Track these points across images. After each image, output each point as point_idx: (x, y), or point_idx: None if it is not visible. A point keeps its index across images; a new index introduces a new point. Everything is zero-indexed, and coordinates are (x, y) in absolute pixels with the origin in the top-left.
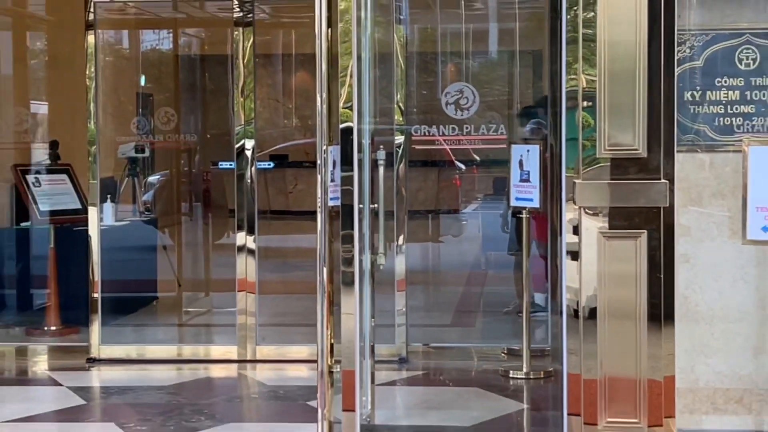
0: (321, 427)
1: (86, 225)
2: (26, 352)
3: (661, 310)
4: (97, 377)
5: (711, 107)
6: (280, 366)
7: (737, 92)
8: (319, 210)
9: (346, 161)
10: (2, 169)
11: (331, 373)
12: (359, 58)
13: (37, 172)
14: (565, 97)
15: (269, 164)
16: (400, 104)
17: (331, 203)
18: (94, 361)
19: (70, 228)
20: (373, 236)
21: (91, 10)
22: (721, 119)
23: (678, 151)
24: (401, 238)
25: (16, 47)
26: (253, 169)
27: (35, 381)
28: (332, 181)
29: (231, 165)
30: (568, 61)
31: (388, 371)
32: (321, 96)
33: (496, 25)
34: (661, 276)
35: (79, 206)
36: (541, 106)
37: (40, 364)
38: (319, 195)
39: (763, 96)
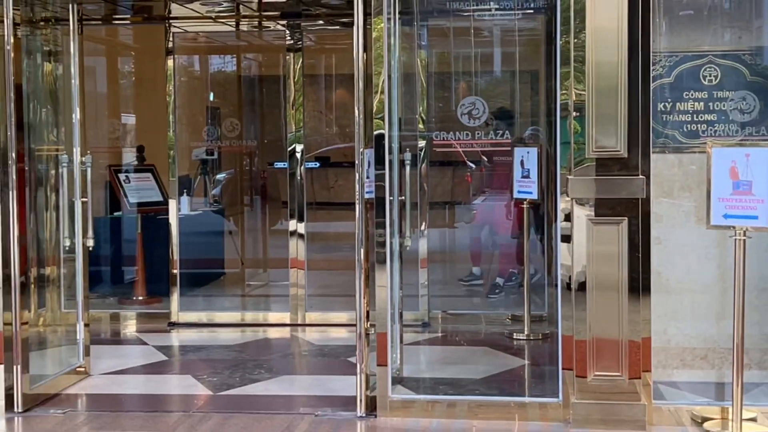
0: (359, 379)
1: (167, 214)
2: (118, 318)
3: (639, 283)
4: (176, 338)
5: (680, 116)
6: (324, 329)
7: (702, 103)
8: (357, 202)
9: (379, 162)
10: (99, 169)
11: (367, 334)
12: (389, 77)
13: (127, 171)
14: (559, 108)
15: (315, 164)
16: (422, 114)
17: (366, 196)
18: (173, 325)
19: (153, 217)
20: (401, 223)
21: (170, 39)
22: (689, 126)
23: (653, 152)
24: (423, 224)
25: (109, 70)
26: (301, 168)
27: (126, 341)
28: (367, 178)
29: (284, 165)
30: (561, 79)
31: (413, 333)
32: (358, 108)
33: (500, 49)
34: (639, 255)
35: (161, 199)
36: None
37: (130, 327)
38: (357, 189)
39: (723, 106)
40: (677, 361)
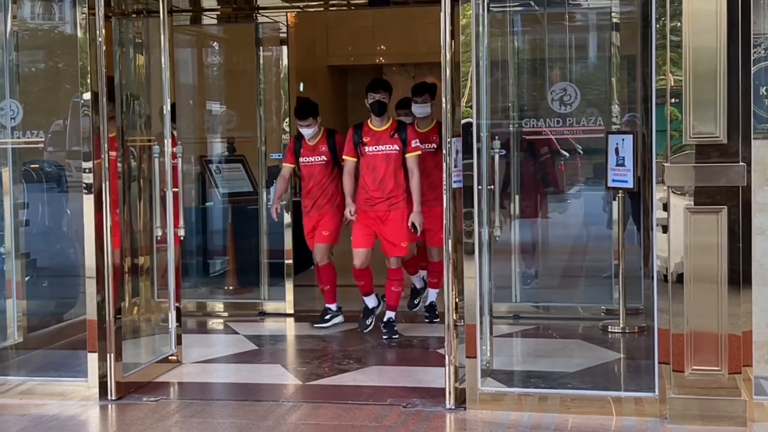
0: (448, 371)
1: (257, 204)
2: (209, 307)
3: (739, 275)
4: (266, 327)
5: None
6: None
7: None
8: (444, 191)
9: (467, 150)
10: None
11: (456, 326)
12: (477, 65)
13: (218, 162)
14: (655, 95)
15: None
16: (513, 102)
17: (454, 185)
18: (263, 314)
19: (244, 207)
20: (491, 213)
21: (259, 30)
22: None
23: (754, 138)
24: (515, 215)
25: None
26: None
27: (217, 330)
28: (456, 167)
29: None
30: (657, 64)
31: (504, 325)
32: (446, 96)
33: (596, 33)
34: (740, 245)
35: (251, 189)
36: None
37: (221, 317)
38: (444, 179)
39: None
40: None
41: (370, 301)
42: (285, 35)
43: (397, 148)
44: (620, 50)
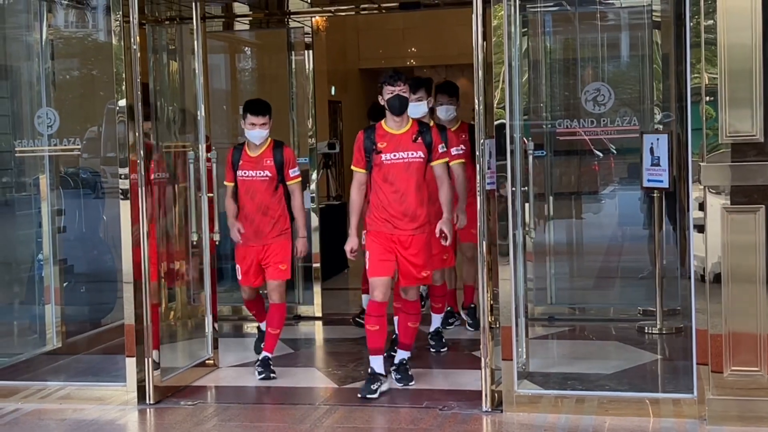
0: (484, 373)
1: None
2: (245, 311)
3: None
4: (302, 331)
5: None
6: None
7: None
8: (478, 193)
9: (500, 152)
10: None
11: (492, 328)
12: (510, 65)
13: None
14: (690, 93)
15: None
16: (546, 102)
17: (488, 187)
18: (299, 318)
19: None
20: (525, 214)
21: (291, 35)
22: None
23: None
24: (549, 216)
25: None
26: None
27: (252, 334)
28: (489, 168)
29: None
30: (692, 62)
31: (540, 327)
32: (478, 98)
33: (628, 33)
34: None
35: None
36: None
37: (255, 321)
38: (477, 181)
39: None
40: None
41: (380, 364)
42: (314, 39)
43: (422, 155)
44: (655, 49)
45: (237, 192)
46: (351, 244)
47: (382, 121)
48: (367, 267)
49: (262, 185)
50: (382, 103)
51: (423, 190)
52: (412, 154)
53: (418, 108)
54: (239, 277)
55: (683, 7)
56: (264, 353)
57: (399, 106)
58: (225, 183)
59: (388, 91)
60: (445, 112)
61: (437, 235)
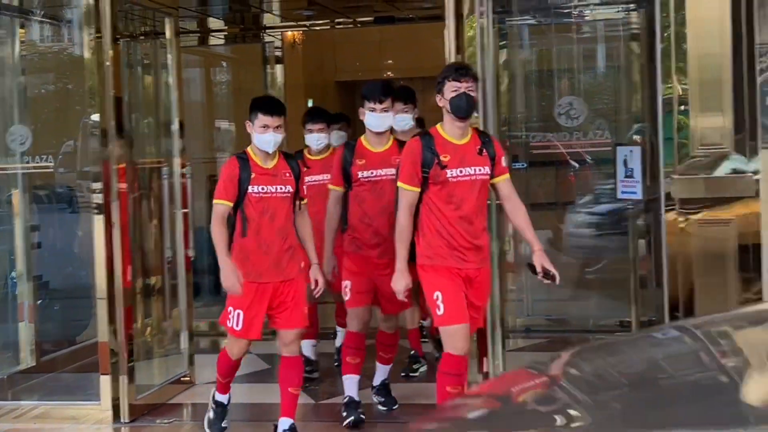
0: None
1: None
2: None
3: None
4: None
5: None
6: None
7: None
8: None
9: None
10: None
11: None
12: (483, 78)
13: None
14: (661, 104)
15: None
16: (522, 115)
17: None
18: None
19: None
20: (501, 227)
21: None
22: None
23: (763, 148)
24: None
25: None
26: None
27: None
28: None
29: None
30: (663, 73)
31: (516, 339)
32: None
33: (605, 45)
34: (750, 256)
35: None
36: None
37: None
38: None
39: None
40: None
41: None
42: (284, 53)
43: (488, 171)
44: (633, 59)
45: (243, 215)
46: (405, 281)
47: (438, 127)
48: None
49: (284, 203)
50: (441, 104)
51: (486, 213)
52: (479, 169)
53: (405, 119)
54: (237, 327)
55: (654, 18)
56: (287, 421)
57: (467, 108)
58: (220, 202)
59: (452, 89)
60: (400, 122)
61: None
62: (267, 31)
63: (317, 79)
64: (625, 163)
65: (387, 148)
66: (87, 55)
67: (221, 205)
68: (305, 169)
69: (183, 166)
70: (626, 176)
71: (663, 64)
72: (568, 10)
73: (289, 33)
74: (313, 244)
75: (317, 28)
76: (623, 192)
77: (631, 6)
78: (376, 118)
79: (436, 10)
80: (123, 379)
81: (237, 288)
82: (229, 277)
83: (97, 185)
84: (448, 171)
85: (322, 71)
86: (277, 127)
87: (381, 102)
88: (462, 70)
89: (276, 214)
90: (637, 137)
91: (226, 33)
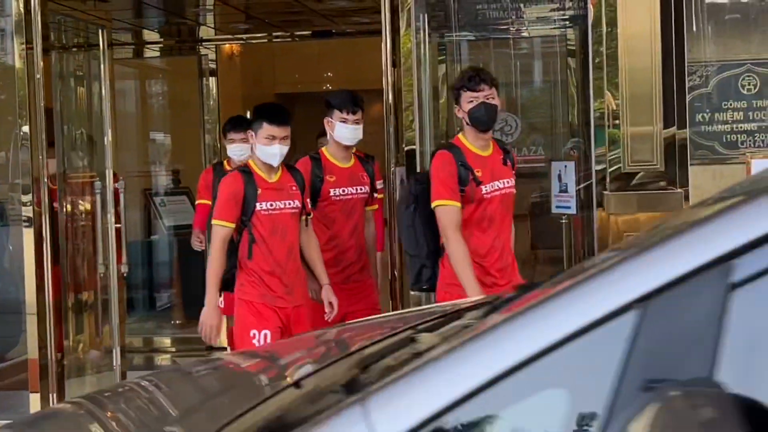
0: None
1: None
2: (156, 342)
3: None
4: None
5: (719, 126)
6: None
7: (741, 113)
8: (388, 221)
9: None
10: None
11: None
12: (419, 91)
13: (163, 195)
14: (593, 120)
15: None
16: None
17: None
18: (211, 349)
19: (189, 239)
20: None
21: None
22: (728, 136)
23: (692, 165)
24: None
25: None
26: None
27: (164, 366)
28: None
29: None
30: (594, 89)
31: None
32: (387, 125)
33: (542, 60)
34: None
35: None
36: None
37: (168, 352)
38: (386, 208)
39: (764, 116)
40: None
41: None
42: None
43: (513, 183)
44: (569, 74)
45: (250, 237)
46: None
47: (461, 137)
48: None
49: (293, 220)
50: (459, 115)
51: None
52: (507, 182)
53: (358, 131)
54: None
55: (587, 33)
56: None
57: (488, 119)
58: (222, 223)
59: (469, 99)
60: (350, 133)
61: None
62: (203, 43)
63: (256, 91)
64: (559, 177)
65: (353, 163)
66: (18, 65)
67: (223, 228)
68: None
69: (116, 179)
70: (561, 191)
71: (595, 79)
72: (506, 26)
73: (227, 45)
74: (323, 263)
75: (254, 42)
76: (557, 206)
77: (567, 23)
78: (349, 130)
79: (374, 25)
80: (53, 397)
81: (215, 333)
82: (212, 316)
83: (27, 198)
84: (483, 187)
85: (260, 83)
86: (283, 138)
87: (353, 113)
88: (476, 78)
89: (287, 231)
90: (572, 152)
91: (161, 45)
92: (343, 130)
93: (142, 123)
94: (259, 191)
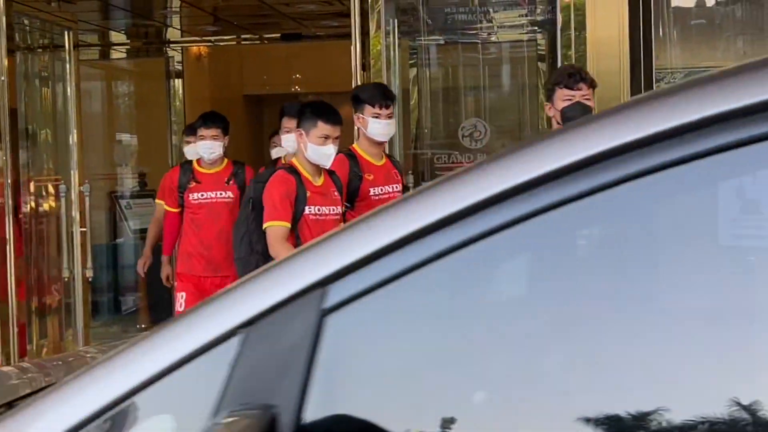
0: None
1: None
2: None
3: None
4: None
5: None
6: None
7: None
8: None
9: None
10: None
11: None
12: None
13: (129, 197)
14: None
15: None
16: (425, 131)
17: None
18: None
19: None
20: None
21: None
22: None
23: None
24: None
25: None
26: None
27: None
28: None
29: None
30: None
31: None
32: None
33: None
34: None
35: None
36: None
37: None
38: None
39: None
40: None
41: None
42: (195, 66)
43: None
44: (533, 80)
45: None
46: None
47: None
48: None
49: (335, 226)
50: (550, 113)
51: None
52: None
53: (392, 126)
54: None
55: (556, 38)
56: None
57: None
58: (278, 224)
59: (565, 96)
60: (384, 128)
61: None
62: (170, 45)
63: (224, 93)
64: None
65: (385, 161)
66: None
67: (281, 228)
68: (194, 183)
69: (81, 182)
70: None
71: None
72: (475, 31)
73: (194, 47)
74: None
75: (222, 44)
76: None
77: (536, 27)
78: (383, 125)
79: (344, 29)
80: None
81: None
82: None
83: None
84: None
85: (228, 85)
86: (336, 137)
87: (386, 107)
88: (576, 76)
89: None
90: None
91: (128, 47)
92: (377, 126)
93: (109, 125)
94: (308, 194)
